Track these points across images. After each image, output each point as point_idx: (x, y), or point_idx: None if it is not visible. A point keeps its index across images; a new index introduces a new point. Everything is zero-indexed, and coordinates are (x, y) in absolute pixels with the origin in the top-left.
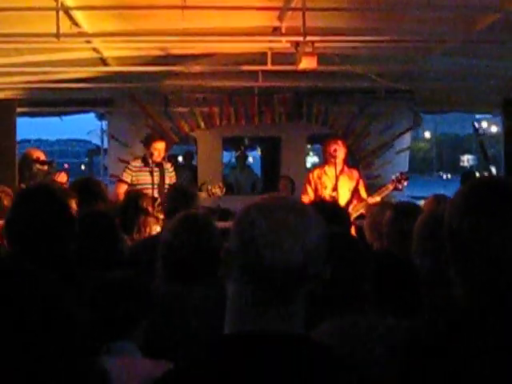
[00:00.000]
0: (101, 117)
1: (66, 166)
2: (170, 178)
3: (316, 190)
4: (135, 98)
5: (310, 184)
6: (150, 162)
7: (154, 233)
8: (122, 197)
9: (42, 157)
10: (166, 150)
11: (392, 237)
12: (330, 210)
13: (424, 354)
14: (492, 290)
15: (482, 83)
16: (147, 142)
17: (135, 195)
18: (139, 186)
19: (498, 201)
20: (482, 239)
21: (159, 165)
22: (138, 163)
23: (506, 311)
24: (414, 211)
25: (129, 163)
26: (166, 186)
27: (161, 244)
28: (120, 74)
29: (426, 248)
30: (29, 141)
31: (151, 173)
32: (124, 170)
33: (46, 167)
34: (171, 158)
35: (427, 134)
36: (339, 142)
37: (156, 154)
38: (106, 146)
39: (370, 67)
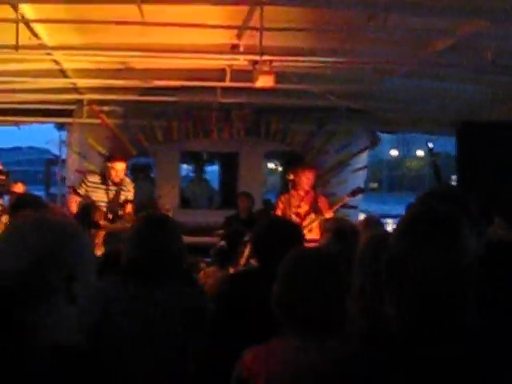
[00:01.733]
0: (60, 127)
1: (20, 184)
2: (127, 195)
3: (284, 213)
4: (94, 109)
5: (279, 207)
6: (109, 180)
7: None
8: (73, 208)
9: None
10: (126, 168)
11: None
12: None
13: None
14: (419, 317)
15: (438, 105)
16: (108, 160)
17: (88, 208)
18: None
19: (424, 228)
20: (410, 264)
21: (117, 183)
22: (96, 179)
23: (432, 339)
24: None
25: (85, 176)
26: (121, 201)
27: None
28: (80, 85)
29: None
30: None
31: (107, 191)
32: (80, 183)
33: (1, 178)
34: (143, 169)
35: (420, 153)
36: (310, 171)
37: (114, 174)
38: (64, 156)
39: (327, 86)
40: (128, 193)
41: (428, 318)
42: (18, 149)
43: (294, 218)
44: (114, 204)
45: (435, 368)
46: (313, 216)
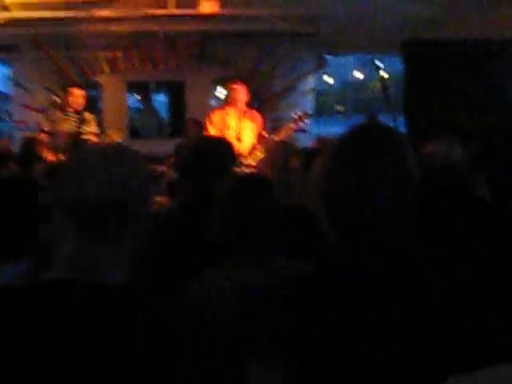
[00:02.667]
0: (3, 63)
1: None
2: (90, 127)
3: (220, 131)
4: (39, 43)
5: (212, 124)
6: (68, 109)
7: None
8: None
9: None
10: (84, 97)
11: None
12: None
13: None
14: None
15: (380, 24)
16: (64, 89)
17: (30, 142)
18: (57, 135)
19: (368, 151)
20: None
21: (79, 113)
22: (57, 112)
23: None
24: None
25: (37, 110)
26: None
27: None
28: (23, 19)
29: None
30: None
31: (68, 121)
32: (43, 119)
33: None
34: (90, 101)
35: (384, 74)
36: (240, 83)
37: (72, 100)
38: (9, 91)
39: (272, 10)
40: (90, 125)
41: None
42: None
43: (235, 142)
44: (77, 135)
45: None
46: (258, 146)
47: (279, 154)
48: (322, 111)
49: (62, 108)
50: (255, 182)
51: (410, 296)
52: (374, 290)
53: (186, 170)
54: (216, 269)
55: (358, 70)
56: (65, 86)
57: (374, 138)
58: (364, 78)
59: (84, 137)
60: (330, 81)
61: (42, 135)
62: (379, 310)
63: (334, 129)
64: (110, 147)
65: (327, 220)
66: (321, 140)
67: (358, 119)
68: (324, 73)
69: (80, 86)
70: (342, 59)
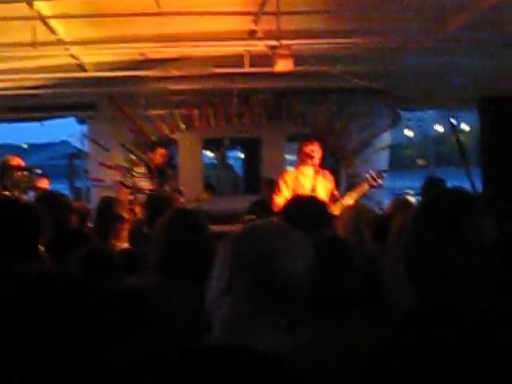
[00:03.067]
0: (81, 121)
1: (39, 171)
2: (171, 183)
3: (294, 192)
4: (115, 101)
5: (286, 184)
6: (153, 167)
7: None
8: (124, 200)
9: (22, 163)
10: (167, 157)
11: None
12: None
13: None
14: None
15: (457, 81)
16: (150, 149)
17: (108, 201)
18: (139, 192)
19: (448, 218)
20: (429, 254)
21: (162, 171)
22: (141, 169)
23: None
24: None
25: (113, 168)
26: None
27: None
28: (99, 78)
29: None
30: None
31: (152, 179)
32: (126, 175)
33: (26, 174)
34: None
35: (465, 127)
36: (315, 143)
37: (160, 159)
38: (86, 149)
39: (346, 67)
40: (172, 182)
41: (443, 300)
42: (42, 145)
43: None
44: (160, 193)
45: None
46: (331, 206)
47: (351, 218)
48: (403, 165)
49: (144, 165)
50: (336, 246)
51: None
52: (452, 363)
53: None
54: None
55: (439, 123)
56: (149, 147)
57: (455, 204)
58: (445, 130)
59: (167, 194)
60: (411, 134)
61: (124, 191)
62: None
63: (416, 183)
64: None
65: (409, 283)
66: (397, 200)
67: (440, 172)
68: (405, 126)
69: (162, 145)
70: (422, 113)
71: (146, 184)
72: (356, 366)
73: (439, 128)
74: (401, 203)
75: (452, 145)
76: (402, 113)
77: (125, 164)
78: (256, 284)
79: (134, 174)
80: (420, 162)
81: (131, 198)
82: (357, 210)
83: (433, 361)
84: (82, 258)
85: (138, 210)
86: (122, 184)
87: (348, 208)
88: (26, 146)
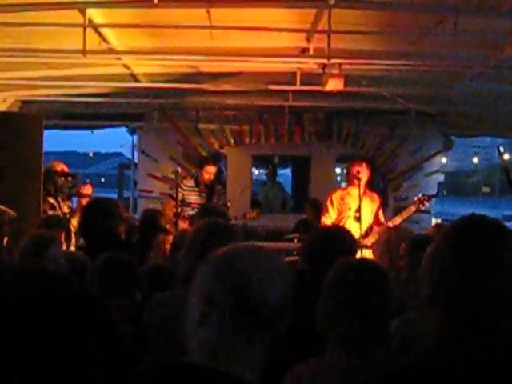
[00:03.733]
0: (132, 131)
1: (87, 181)
2: (220, 199)
3: (339, 212)
4: (166, 113)
5: (332, 204)
6: (202, 183)
7: None
8: (170, 213)
9: (66, 169)
10: (217, 173)
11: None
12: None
13: None
14: (468, 327)
15: (509, 108)
16: (200, 165)
17: (152, 214)
18: (187, 206)
19: (476, 245)
20: (453, 281)
21: (209, 186)
22: (190, 183)
23: (479, 347)
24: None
25: (159, 179)
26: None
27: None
28: (151, 89)
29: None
30: (56, 153)
31: (200, 193)
32: (176, 188)
33: (69, 179)
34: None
35: None
36: (363, 164)
37: (207, 176)
38: (136, 160)
39: (397, 90)
40: (220, 197)
41: (471, 336)
42: (108, 154)
43: (353, 222)
44: (208, 207)
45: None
46: (376, 228)
47: (391, 240)
48: (467, 192)
49: (193, 179)
50: (368, 271)
51: None
52: None
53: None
54: (320, 357)
55: (506, 151)
56: (199, 162)
57: (490, 232)
58: (511, 159)
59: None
60: (476, 161)
61: (171, 203)
62: None
63: (479, 211)
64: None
65: (441, 310)
66: (438, 226)
67: (504, 201)
68: (473, 154)
69: (213, 163)
70: (488, 139)
71: (194, 198)
72: None
73: (506, 156)
74: (439, 228)
75: None
76: (469, 140)
77: (173, 176)
78: (236, 308)
79: (183, 187)
80: (485, 189)
81: (178, 210)
82: (398, 230)
83: None
84: (101, 266)
85: (182, 223)
86: (170, 196)
87: (389, 228)
88: (91, 155)
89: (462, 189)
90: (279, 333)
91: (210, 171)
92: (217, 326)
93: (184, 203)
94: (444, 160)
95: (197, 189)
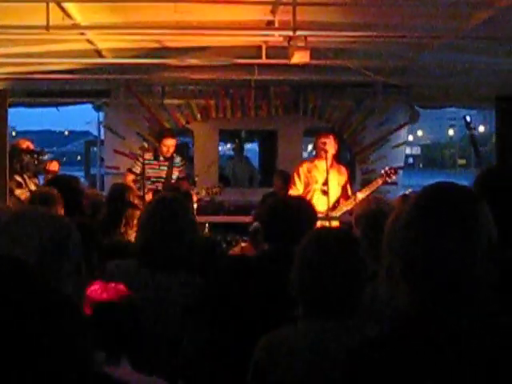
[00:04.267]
0: (98, 108)
1: (54, 162)
2: (179, 171)
3: (306, 184)
4: (132, 89)
5: (299, 177)
6: (160, 156)
7: None
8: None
9: (31, 146)
10: (176, 146)
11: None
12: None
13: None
14: (435, 298)
15: (475, 79)
16: (158, 138)
17: (120, 188)
18: (147, 179)
19: (439, 212)
20: (423, 251)
21: (169, 159)
22: (149, 156)
23: (449, 320)
24: None
25: (128, 156)
26: (173, 180)
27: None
28: (116, 65)
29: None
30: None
31: (159, 166)
32: (135, 162)
33: (35, 157)
34: (181, 148)
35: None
36: (330, 136)
37: (165, 149)
38: (102, 137)
39: (364, 62)
40: (180, 170)
41: (443, 306)
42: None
43: (321, 195)
44: (167, 181)
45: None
46: (343, 201)
47: (367, 211)
48: (444, 165)
49: (154, 153)
50: (338, 239)
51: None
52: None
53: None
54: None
55: (482, 124)
56: (158, 135)
57: (459, 198)
58: (486, 131)
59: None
60: (451, 133)
61: (130, 178)
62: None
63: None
64: None
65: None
66: (403, 196)
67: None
68: (449, 126)
69: (172, 135)
70: (464, 112)
71: (152, 171)
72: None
73: (481, 128)
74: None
75: (493, 146)
76: (445, 111)
77: (139, 152)
78: None
79: (141, 160)
80: (460, 161)
81: (138, 185)
82: (372, 201)
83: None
84: None
85: (147, 197)
86: (129, 170)
87: (363, 200)
88: (67, 133)
89: (439, 161)
90: None
91: (168, 144)
92: None
93: (143, 177)
94: (420, 133)
95: (155, 162)
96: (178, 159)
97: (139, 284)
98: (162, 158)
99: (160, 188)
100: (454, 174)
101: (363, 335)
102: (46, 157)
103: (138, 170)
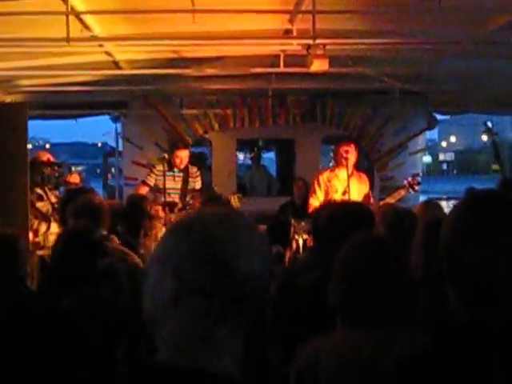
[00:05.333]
0: (115, 119)
1: (79, 168)
2: (195, 182)
3: (326, 193)
4: (149, 100)
5: (320, 186)
6: (175, 167)
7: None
8: None
9: (51, 159)
10: (189, 156)
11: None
12: (357, 212)
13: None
14: (492, 309)
15: (494, 85)
16: (171, 149)
17: (138, 199)
18: (161, 190)
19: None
20: (485, 266)
21: (184, 170)
22: (163, 168)
23: (504, 329)
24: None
25: (146, 166)
26: (189, 192)
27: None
28: (133, 76)
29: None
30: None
31: (174, 178)
32: (148, 173)
33: (56, 169)
34: (199, 158)
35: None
36: (351, 145)
37: (178, 161)
38: (120, 148)
39: (382, 69)
40: (195, 180)
41: (492, 313)
42: (76, 143)
43: None
44: (183, 192)
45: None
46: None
47: (390, 218)
48: (479, 170)
49: (170, 165)
50: (378, 247)
51: None
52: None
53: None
54: (332, 336)
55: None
56: (171, 147)
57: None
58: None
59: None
60: (485, 138)
61: (143, 189)
62: None
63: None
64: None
65: (456, 294)
66: (426, 203)
67: None
68: (483, 132)
69: (184, 147)
70: (498, 118)
71: (167, 183)
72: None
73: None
74: (429, 205)
75: None
76: (478, 117)
77: (159, 163)
78: (213, 287)
79: (156, 172)
80: (494, 167)
81: (153, 197)
82: (395, 208)
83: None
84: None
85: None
86: (144, 182)
87: (387, 207)
88: (100, 145)
89: (473, 167)
90: (262, 315)
91: (180, 155)
92: (190, 307)
93: (158, 189)
94: (453, 139)
95: (170, 173)
96: (193, 170)
97: None
98: (176, 170)
99: (177, 200)
100: (488, 179)
101: (408, 346)
102: (65, 169)
103: (152, 181)
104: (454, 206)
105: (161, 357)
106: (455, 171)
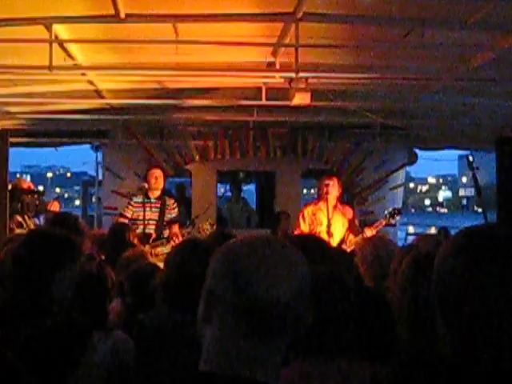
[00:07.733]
0: (96, 148)
1: (56, 194)
2: (172, 214)
3: (310, 227)
4: (130, 130)
5: (304, 219)
6: (151, 195)
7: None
8: None
9: (32, 187)
10: (164, 179)
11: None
12: (314, 247)
13: None
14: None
15: (475, 121)
16: (145, 173)
17: (120, 228)
18: (139, 222)
19: (496, 257)
20: (480, 298)
21: (160, 200)
22: (140, 199)
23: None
24: None
25: (126, 196)
26: (165, 223)
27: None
28: (115, 106)
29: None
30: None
31: (151, 207)
32: (126, 206)
33: (36, 197)
34: (179, 189)
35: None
36: (334, 179)
37: (153, 181)
38: (100, 177)
39: (363, 103)
40: (172, 211)
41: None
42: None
43: (326, 236)
44: (158, 224)
45: None
46: (353, 236)
47: (371, 249)
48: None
49: (144, 196)
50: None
51: None
52: None
53: None
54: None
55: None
56: (147, 169)
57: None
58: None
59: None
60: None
61: (121, 220)
62: None
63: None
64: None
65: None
66: (425, 236)
67: None
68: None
69: (157, 167)
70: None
71: (144, 214)
72: None
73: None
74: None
75: None
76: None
77: (138, 193)
78: (239, 309)
79: (132, 203)
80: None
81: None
82: (375, 242)
83: None
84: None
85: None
86: (121, 215)
87: (366, 240)
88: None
89: (494, 202)
90: (300, 332)
91: (154, 174)
92: (219, 325)
93: (134, 220)
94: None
95: (147, 204)
96: (170, 202)
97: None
98: (153, 200)
99: (152, 231)
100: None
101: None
102: (44, 197)
103: (129, 213)
104: (451, 244)
105: (204, 368)
106: (475, 207)
